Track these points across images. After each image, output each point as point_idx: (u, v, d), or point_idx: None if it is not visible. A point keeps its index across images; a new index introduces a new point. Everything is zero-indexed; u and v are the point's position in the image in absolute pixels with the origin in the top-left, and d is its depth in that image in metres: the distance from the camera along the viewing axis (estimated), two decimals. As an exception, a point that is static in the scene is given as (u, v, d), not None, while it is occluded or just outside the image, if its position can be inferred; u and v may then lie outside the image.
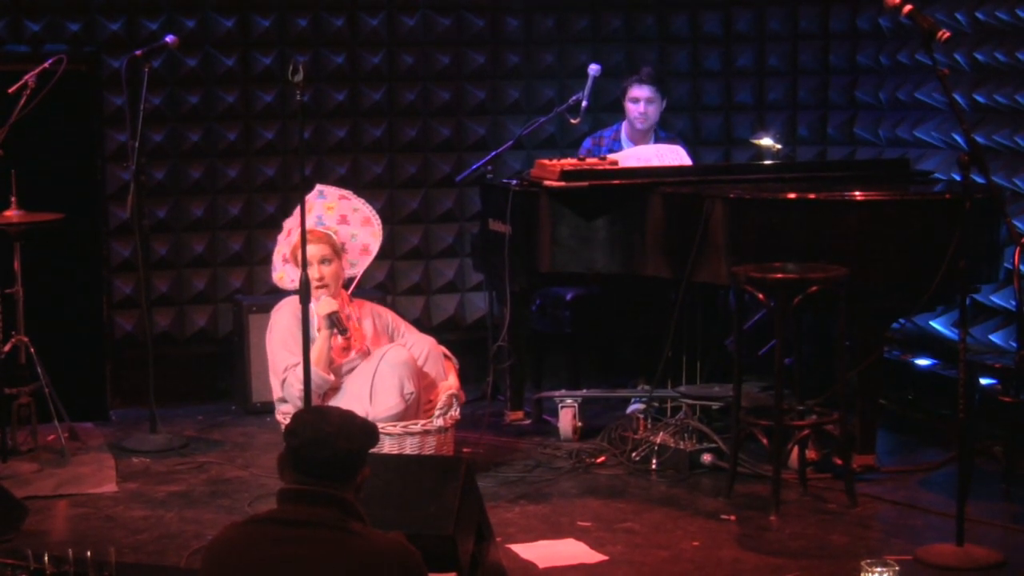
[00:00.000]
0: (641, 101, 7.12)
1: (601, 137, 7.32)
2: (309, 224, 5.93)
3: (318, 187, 6.17)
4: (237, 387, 7.40)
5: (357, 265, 6.15)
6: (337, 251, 5.97)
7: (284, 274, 6.06)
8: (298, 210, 6.00)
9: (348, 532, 3.18)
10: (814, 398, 5.87)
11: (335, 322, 5.79)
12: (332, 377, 5.79)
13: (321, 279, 5.86)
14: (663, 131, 7.33)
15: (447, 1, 7.86)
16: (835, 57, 8.04)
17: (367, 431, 3.38)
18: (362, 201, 6.18)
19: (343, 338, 5.83)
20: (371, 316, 6.09)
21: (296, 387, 5.56)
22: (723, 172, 7.05)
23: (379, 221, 6.17)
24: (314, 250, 5.84)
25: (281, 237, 6.10)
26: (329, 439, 3.28)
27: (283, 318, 5.86)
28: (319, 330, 5.80)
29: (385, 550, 3.18)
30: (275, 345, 5.86)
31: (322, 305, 5.81)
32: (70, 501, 5.83)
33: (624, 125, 7.27)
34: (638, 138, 7.19)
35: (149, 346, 6.76)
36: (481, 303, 7.85)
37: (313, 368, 5.62)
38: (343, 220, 6.09)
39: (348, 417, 3.40)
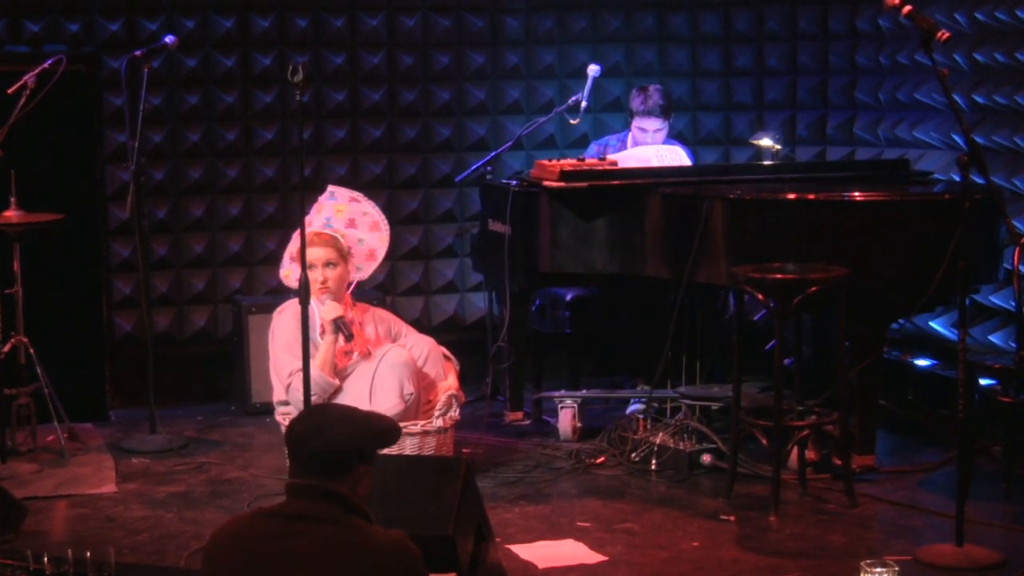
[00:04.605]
0: (649, 131, 7.12)
1: (607, 145, 7.31)
2: (317, 225, 5.97)
3: (330, 188, 6.17)
4: (236, 387, 7.40)
5: (363, 270, 6.14)
6: (343, 255, 5.96)
7: (290, 272, 6.05)
8: (314, 208, 6.02)
9: (350, 528, 3.19)
10: (814, 398, 5.88)
11: (340, 327, 5.79)
12: (337, 381, 5.79)
13: (324, 282, 5.85)
14: (666, 139, 7.32)
15: (447, 1, 7.86)
16: (834, 57, 8.05)
17: (366, 429, 3.33)
18: (372, 204, 6.16)
19: (347, 342, 5.83)
20: (373, 320, 6.08)
21: (302, 391, 5.55)
22: (722, 172, 7.06)
23: (387, 226, 6.16)
24: (320, 253, 5.84)
25: (295, 235, 6.08)
26: (317, 433, 3.26)
27: (285, 321, 5.86)
28: (323, 335, 5.80)
29: (386, 548, 3.18)
30: (278, 349, 5.85)
31: (327, 310, 5.81)
32: (69, 501, 5.83)
33: (630, 136, 7.26)
34: None
35: (149, 346, 6.77)
36: (481, 303, 7.86)
37: (319, 372, 5.63)
38: (351, 224, 6.08)
39: (346, 414, 3.37)
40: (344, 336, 5.80)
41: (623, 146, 7.24)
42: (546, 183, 6.53)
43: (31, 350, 6.36)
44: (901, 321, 6.34)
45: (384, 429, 3.38)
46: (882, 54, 7.69)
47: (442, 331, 7.45)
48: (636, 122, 7.14)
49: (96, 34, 7.35)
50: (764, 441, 5.57)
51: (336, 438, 3.26)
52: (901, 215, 5.94)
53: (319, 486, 3.22)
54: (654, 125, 7.10)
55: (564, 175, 6.46)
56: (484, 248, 7.10)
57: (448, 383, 5.97)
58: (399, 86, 7.84)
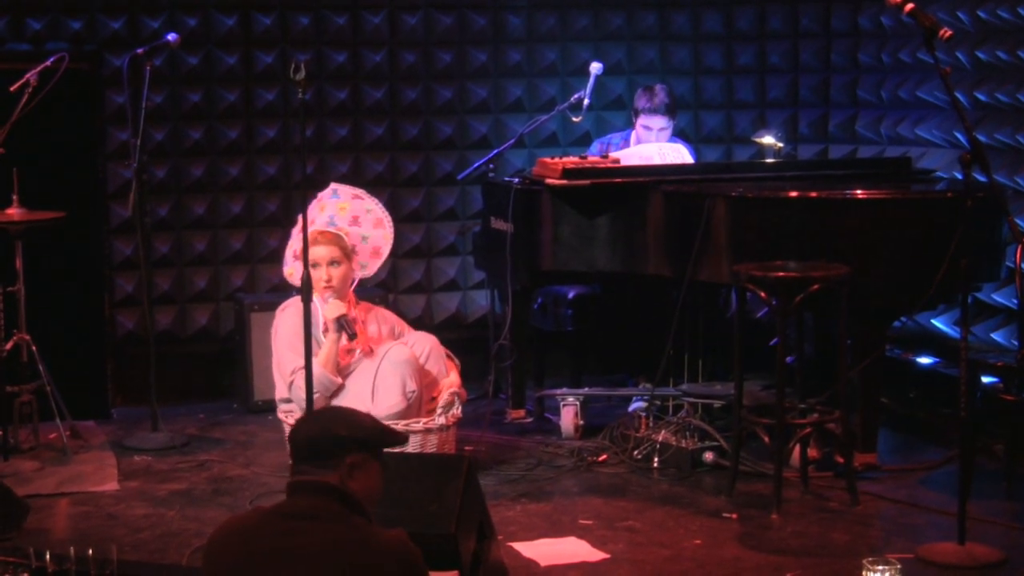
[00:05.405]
0: (654, 130, 7.12)
1: (610, 144, 7.31)
2: (321, 223, 5.96)
3: (332, 185, 6.17)
4: (238, 385, 7.41)
5: (367, 267, 6.14)
6: (347, 253, 5.96)
7: (294, 270, 6.05)
8: (313, 204, 6.02)
9: (350, 527, 3.18)
10: (816, 396, 5.88)
11: (344, 325, 5.79)
12: (339, 379, 5.79)
13: (329, 280, 5.86)
14: (669, 137, 7.32)
15: (448, -1, 7.88)
16: (836, 55, 8.04)
17: (361, 423, 3.37)
18: (375, 201, 6.16)
19: (349, 341, 5.82)
20: (376, 319, 6.09)
21: (305, 389, 5.55)
22: (725, 170, 7.05)
23: (391, 223, 6.16)
24: (324, 251, 5.84)
25: (295, 231, 6.08)
26: (310, 421, 3.35)
27: (288, 319, 5.86)
28: (325, 332, 5.80)
29: (386, 547, 3.18)
30: (281, 347, 5.85)
31: (330, 308, 5.81)
32: (72, 499, 5.83)
33: (633, 135, 7.26)
34: None
35: (151, 344, 6.77)
36: (483, 301, 7.86)
37: (321, 370, 5.64)
38: (355, 221, 6.08)
39: (347, 411, 3.43)
40: (347, 335, 5.81)
41: (626, 145, 7.24)
42: (548, 181, 6.53)
43: (33, 348, 6.36)
44: (903, 319, 6.33)
45: (384, 428, 3.40)
46: (884, 52, 7.69)
47: (444, 329, 7.45)
48: (641, 120, 7.14)
49: (98, 32, 7.35)
50: (766, 439, 5.57)
51: (326, 425, 3.32)
52: (903, 213, 5.94)
53: (314, 482, 3.22)
54: (659, 123, 7.10)
55: (566, 173, 6.46)
56: (486, 246, 7.10)
57: (450, 380, 5.97)
58: (401, 84, 7.84)
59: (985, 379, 5.99)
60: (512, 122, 7.88)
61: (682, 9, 8.14)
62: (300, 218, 6.01)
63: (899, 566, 4.22)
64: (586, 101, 7.08)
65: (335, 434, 3.28)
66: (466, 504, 4.24)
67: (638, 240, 6.43)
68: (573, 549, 5.18)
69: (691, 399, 6.55)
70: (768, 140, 7.19)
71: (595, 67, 7.12)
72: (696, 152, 7.47)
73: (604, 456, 6.29)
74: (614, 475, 6.10)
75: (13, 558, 4.23)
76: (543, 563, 5.04)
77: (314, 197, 6.11)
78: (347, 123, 7.77)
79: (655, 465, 6.15)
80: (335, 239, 5.93)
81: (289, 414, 5.72)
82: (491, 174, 7.21)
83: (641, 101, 7.14)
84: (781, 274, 5.56)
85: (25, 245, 6.43)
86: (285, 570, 3.13)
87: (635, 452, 6.24)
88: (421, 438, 5.68)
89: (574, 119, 7.19)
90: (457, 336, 7.29)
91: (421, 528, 4.03)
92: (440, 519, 4.17)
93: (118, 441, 6.69)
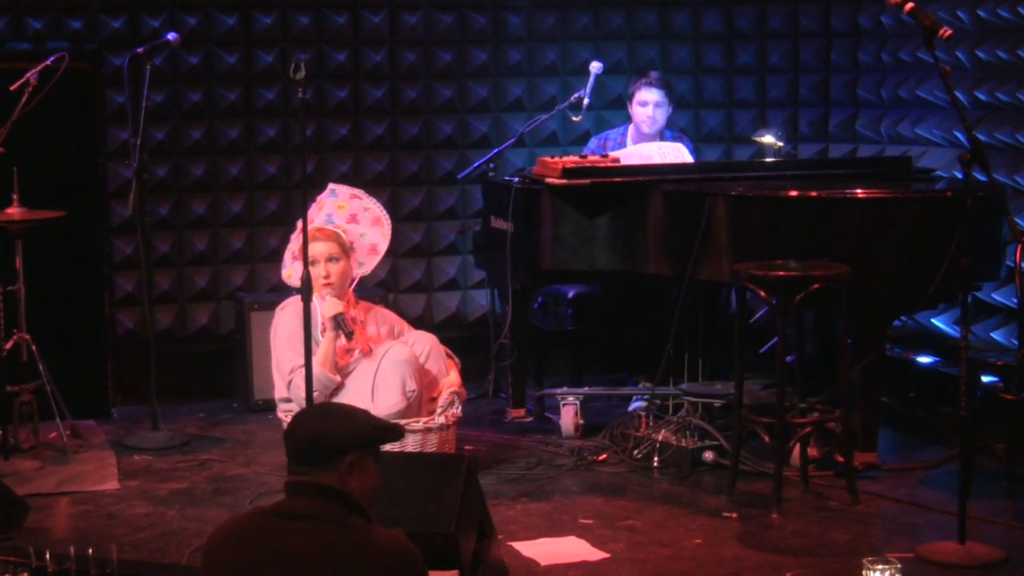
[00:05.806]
0: (650, 105, 7.11)
1: (607, 139, 7.32)
2: (319, 222, 5.98)
3: (331, 185, 6.18)
4: (239, 384, 7.41)
5: (365, 265, 6.15)
6: (345, 250, 5.96)
7: (293, 271, 6.06)
8: (314, 206, 6.03)
9: (348, 527, 3.18)
10: (816, 396, 5.87)
11: (340, 324, 5.79)
12: (338, 378, 5.79)
13: (327, 277, 5.86)
14: (669, 131, 7.32)
15: (449, -2, 7.88)
16: (837, 54, 8.04)
17: (355, 421, 3.31)
18: (373, 200, 6.17)
19: (347, 340, 5.82)
20: (375, 319, 6.09)
21: (304, 388, 5.55)
22: (725, 169, 7.05)
23: (389, 221, 6.17)
24: (322, 248, 5.85)
25: (294, 235, 6.09)
26: (303, 421, 3.30)
27: (288, 318, 5.86)
28: (323, 332, 5.80)
29: (385, 547, 3.17)
30: (280, 345, 5.86)
31: (327, 307, 5.81)
32: (72, 499, 5.83)
33: (631, 128, 7.26)
34: (645, 141, 7.18)
35: (151, 343, 6.77)
36: (483, 300, 7.86)
37: (320, 368, 5.64)
38: (353, 219, 6.09)
39: (342, 409, 3.40)
40: (344, 334, 5.81)
41: (623, 139, 7.24)
42: (548, 180, 6.53)
43: (33, 347, 6.36)
44: (903, 318, 6.33)
45: (379, 425, 3.35)
46: (884, 51, 7.68)
47: (444, 328, 7.45)
48: (636, 98, 7.14)
49: (98, 31, 7.35)
50: (766, 438, 5.57)
51: (320, 426, 3.27)
52: (903, 212, 5.94)
53: (310, 482, 3.21)
54: (654, 96, 7.10)
55: (566, 172, 6.46)
56: (486, 245, 7.10)
57: (450, 379, 5.97)
58: (401, 83, 7.84)
59: (985, 378, 5.99)
60: (512, 121, 7.88)
61: (682, 8, 8.14)
62: (300, 223, 6.04)
63: (899, 565, 4.22)
64: (586, 100, 7.08)
65: (330, 438, 3.24)
66: (466, 503, 4.24)
67: (638, 239, 6.43)
68: (573, 548, 5.18)
69: (691, 398, 6.55)
70: (768, 139, 7.19)
71: (595, 66, 7.12)
72: (696, 151, 7.47)
73: (604, 455, 6.29)
74: (614, 474, 6.10)
75: (13, 557, 4.23)
76: (543, 562, 5.03)
77: (314, 198, 6.12)
78: (347, 122, 7.77)
79: (655, 464, 6.15)
80: (334, 236, 5.94)
81: (288, 413, 5.72)
82: (491, 173, 7.21)
83: (633, 83, 7.17)
84: (781, 273, 5.56)
85: (25, 245, 6.43)
86: (284, 571, 3.13)
87: (635, 451, 6.24)
88: (421, 437, 5.68)
89: (574, 118, 7.19)
90: (457, 335, 7.29)
91: (421, 527, 4.03)
92: (440, 518, 4.16)
93: (118, 440, 6.69)
